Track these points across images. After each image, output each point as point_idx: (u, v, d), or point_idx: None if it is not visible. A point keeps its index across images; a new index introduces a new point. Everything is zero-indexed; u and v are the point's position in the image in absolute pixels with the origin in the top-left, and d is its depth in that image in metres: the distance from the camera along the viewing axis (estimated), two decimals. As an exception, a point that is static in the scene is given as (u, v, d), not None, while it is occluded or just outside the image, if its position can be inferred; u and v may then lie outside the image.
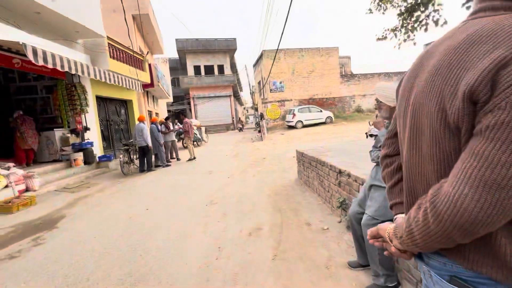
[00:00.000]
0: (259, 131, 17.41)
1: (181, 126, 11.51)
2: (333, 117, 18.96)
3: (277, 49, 9.89)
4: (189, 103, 26.14)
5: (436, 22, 5.45)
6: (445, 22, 5.51)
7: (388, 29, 6.10)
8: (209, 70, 25.92)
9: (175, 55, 28.04)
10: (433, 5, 5.37)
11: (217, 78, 25.35)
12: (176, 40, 24.31)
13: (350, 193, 2.67)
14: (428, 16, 5.58)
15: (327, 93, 22.10)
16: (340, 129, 14.17)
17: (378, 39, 6.34)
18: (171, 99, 21.32)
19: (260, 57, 21.80)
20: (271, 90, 20.81)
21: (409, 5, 5.50)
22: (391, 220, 0.83)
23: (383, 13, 7.45)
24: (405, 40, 5.74)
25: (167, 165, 7.99)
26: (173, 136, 9.15)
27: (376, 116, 1.93)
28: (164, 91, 15.60)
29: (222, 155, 9.53)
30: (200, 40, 24.82)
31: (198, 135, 13.51)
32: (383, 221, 1.81)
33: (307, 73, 21.56)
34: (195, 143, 13.41)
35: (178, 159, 9.06)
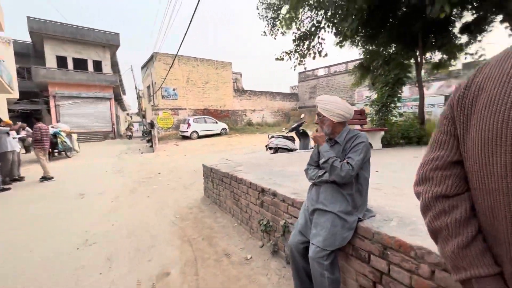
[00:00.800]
0: (149, 141, 15.40)
1: (29, 131, 8.31)
2: (227, 129, 19.41)
3: (176, 54, 9.01)
4: (47, 103, 19.96)
5: (319, 53, 6.44)
6: (326, 55, 6.62)
7: (285, 52, 6.72)
8: (80, 64, 20.89)
9: (27, 38, 21.00)
10: (318, 38, 6.34)
11: (93, 76, 20.77)
12: (28, 18, 18.25)
13: (276, 214, 2.43)
14: (314, 46, 6.52)
15: (222, 105, 22.60)
16: (235, 141, 14.57)
17: (277, 59, 6.87)
18: (15, 95, 15.45)
19: (151, 59, 19.73)
20: (163, 96, 19.09)
21: (301, 34, 6.26)
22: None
23: (275, 38, 8.24)
24: (299, 64, 6.48)
25: (5, 189, 5.41)
26: (17, 145, 6.40)
27: (317, 130, 1.77)
28: (3, 82, 11.06)
29: (100, 170, 7.51)
30: (67, 25, 19.72)
31: (69, 144, 10.33)
32: (332, 252, 1.64)
33: (202, 84, 21.31)
34: (63, 153, 10.20)
35: (20, 179, 6.37)
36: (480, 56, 6.72)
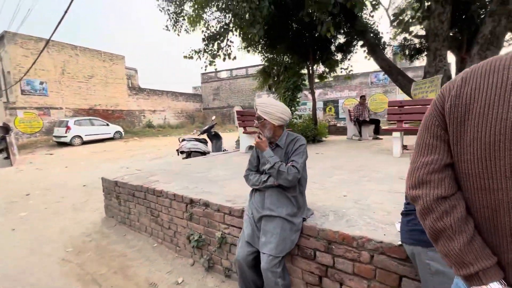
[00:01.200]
0: (1, 151, 11.33)
1: None
2: (123, 132, 16.84)
3: (50, 39, 6.90)
4: None
5: (229, 55, 6.50)
6: (235, 57, 6.76)
7: (194, 50, 6.38)
8: None
9: None
10: (227, 40, 6.38)
11: None
12: None
13: (210, 226, 2.22)
14: (222, 48, 6.53)
15: (114, 104, 19.41)
16: (135, 146, 12.82)
17: (185, 57, 6.43)
18: None
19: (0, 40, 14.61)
20: (23, 91, 14.54)
21: (211, 34, 6.11)
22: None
23: (178, 34, 7.77)
24: (210, 64, 6.30)
25: None
26: None
27: (259, 136, 1.70)
28: None
29: None
30: None
31: None
32: (283, 257, 1.61)
33: (85, 78, 17.60)
34: None
35: None
36: (350, 71, 8.61)
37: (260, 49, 8.66)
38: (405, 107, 4.33)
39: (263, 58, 10.04)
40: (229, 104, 27.75)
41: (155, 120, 22.83)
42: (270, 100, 1.69)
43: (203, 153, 6.46)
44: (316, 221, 1.67)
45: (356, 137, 7.76)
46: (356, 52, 8.11)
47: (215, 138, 7.14)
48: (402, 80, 6.27)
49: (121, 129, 16.72)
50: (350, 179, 2.79)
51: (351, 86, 21.44)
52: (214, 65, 6.32)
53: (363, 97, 7.83)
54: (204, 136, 7.13)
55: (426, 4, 5.44)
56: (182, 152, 6.41)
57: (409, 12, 6.81)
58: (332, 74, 9.03)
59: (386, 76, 20.44)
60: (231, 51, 6.56)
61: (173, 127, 23.14)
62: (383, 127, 7.46)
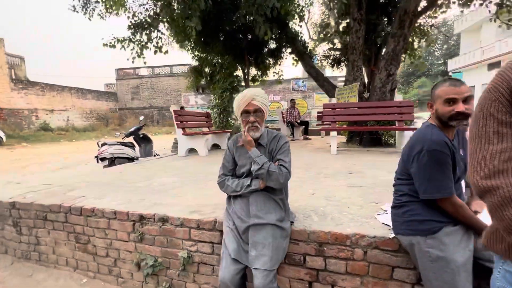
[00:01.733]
0: None
1: None
2: (3, 137, 12.99)
3: None
4: None
5: (159, 48, 5.83)
6: (167, 51, 6.12)
7: (116, 38, 5.39)
8: None
9: None
10: (158, 31, 5.69)
11: None
12: None
13: (170, 245, 1.82)
14: (152, 40, 5.81)
15: (-13, 100, 14.80)
16: (26, 154, 10.03)
17: (105, 45, 5.37)
18: None
19: None
20: None
21: (138, 22, 5.31)
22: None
23: (90, 19, 6.58)
24: (139, 56, 5.45)
25: None
26: None
27: (245, 132, 1.47)
28: None
29: None
30: None
31: None
32: (277, 269, 1.42)
33: None
34: None
35: None
36: (280, 76, 9.11)
37: (192, 46, 8.18)
38: (337, 109, 4.83)
39: (195, 56, 9.56)
40: (151, 105, 25.38)
41: (54, 122, 18.64)
42: (260, 90, 1.49)
43: (131, 159, 5.57)
44: (303, 224, 1.56)
45: (289, 137, 8.27)
46: (286, 58, 8.65)
47: (144, 141, 6.28)
48: (327, 86, 7.03)
49: (2, 134, 12.83)
50: (308, 176, 2.85)
51: (275, 91, 22.93)
52: (143, 57, 5.52)
53: (293, 101, 8.43)
54: (130, 139, 6.17)
55: (346, 21, 6.26)
56: (102, 159, 5.34)
57: (333, 27, 7.73)
58: (264, 78, 9.36)
59: (305, 83, 22.86)
60: (163, 44, 5.90)
61: (79, 130, 19.40)
62: (321, 127, 8.21)
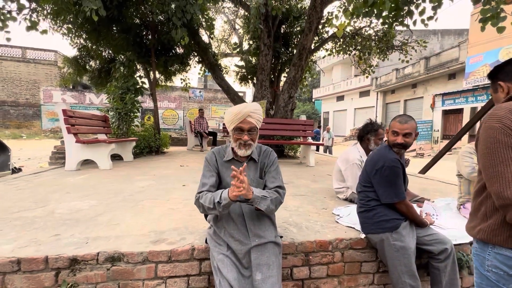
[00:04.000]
0: None
1: None
2: None
3: None
4: None
5: (34, 24, 4.34)
6: (45, 31, 4.63)
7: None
8: None
9: None
10: (31, 2, 4.19)
11: None
12: None
13: (124, 291, 1.37)
14: (22, 11, 4.26)
15: None
16: None
17: None
18: None
19: None
20: None
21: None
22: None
23: None
24: (1, 29, 3.71)
25: None
26: None
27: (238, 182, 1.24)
28: None
29: None
30: None
31: None
32: None
33: None
34: None
35: None
36: (187, 84, 8.76)
37: (75, 31, 6.55)
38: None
39: (74, 44, 7.64)
40: (-17, 97, 17.94)
41: None
42: (257, 106, 1.41)
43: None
44: (290, 237, 1.60)
45: (198, 147, 8.00)
46: (195, 67, 8.44)
47: (-5, 149, 4.40)
48: (238, 100, 7.39)
49: None
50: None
51: (170, 97, 21.65)
52: (7, 31, 3.82)
53: (201, 111, 8.28)
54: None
55: (256, 44, 6.89)
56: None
57: (246, 45, 8.24)
58: (168, 83, 8.70)
59: (202, 93, 22.89)
60: (39, 20, 4.36)
61: None
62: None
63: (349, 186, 2.44)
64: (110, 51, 7.39)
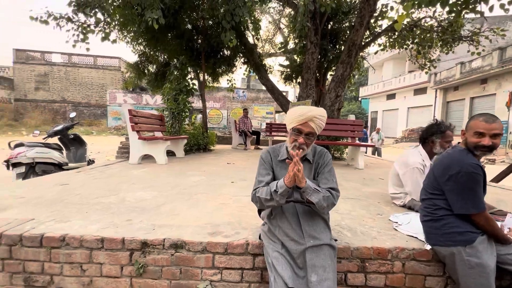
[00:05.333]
0: None
1: None
2: None
3: None
4: None
5: (107, 35, 4.96)
6: (115, 40, 5.27)
7: (49, 13, 4.24)
8: None
9: None
10: (109, 15, 4.81)
11: None
12: None
13: (185, 277, 1.49)
14: (99, 24, 4.90)
15: None
16: None
17: (33, 18, 4.15)
18: None
19: None
20: None
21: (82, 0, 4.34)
22: None
23: None
24: (83, 40, 4.42)
25: None
26: None
27: (293, 160, 1.27)
28: None
29: None
30: None
31: None
32: None
33: None
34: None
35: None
36: (232, 84, 9.06)
37: (136, 39, 7.30)
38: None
39: (136, 51, 8.54)
40: (64, 98, 21.17)
41: None
42: (322, 111, 1.39)
43: (58, 166, 4.46)
44: (344, 241, 1.55)
45: (241, 146, 8.24)
46: (240, 68, 8.69)
47: (75, 143, 5.16)
48: (282, 100, 7.39)
49: None
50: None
51: (215, 98, 22.68)
52: (87, 43, 4.51)
53: (246, 110, 8.49)
54: (55, 140, 4.97)
55: (303, 43, 6.78)
56: (16, 165, 4.10)
57: (291, 45, 8.22)
58: (215, 84, 9.12)
59: (245, 93, 23.44)
60: (110, 31, 5.00)
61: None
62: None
63: (407, 191, 2.25)
64: (165, 56, 8.06)
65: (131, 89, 21.06)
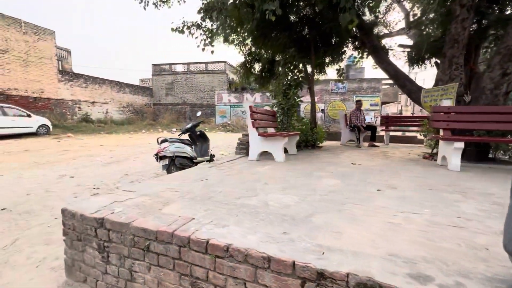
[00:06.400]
0: None
1: None
2: (50, 126, 13.32)
3: None
4: None
5: (227, 38, 5.18)
6: (233, 41, 5.48)
7: (185, 24, 4.83)
8: None
9: None
10: (225, 17, 5.04)
11: None
12: None
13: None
14: (220, 26, 5.16)
15: (37, 90, 15.39)
16: (72, 145, 10.03)
17: (174, 29, 4.84)
18: None
19: None
20: None
21: (211, 4, 4.68)
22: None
23: (145, 8, 6.12)
24: (208, 44, 4.85)
25: None
26: None
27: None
28: None
29: None
30: None
31: None
32: None
33: (-6, 52, 13.41)
34: None
35: None
36: (342, 74, 8.20)
37: (244, 39, 7.51)
38: (452, 114, 3.87)
39: (243, 52, 8.92)
40: (184, 101, 25.45)
41: (94, 114, 19.13)
42: None
43: (190, 159, 5.01)
44: None
45: (353, 143, 7.33)
46: (352, 54, 7.72)
47: (201, 139, 5.70)
48: (410, 86, 6.01)
49: (48, 123, 13.17)
50: (483, 210, 1.97)
51: (312, 92, 21.88)
52: (212, 45, 4.91)
53: (359, 102, 7.48)
54: (185, 136, 5.65)
55: (444, 8, 5.22)
56: (162, 158, 4.83)
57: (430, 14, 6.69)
58: (322, 75, 8.49)
59: (344, 85, 21.56)
60: (229, 32, 5.26)
61: (117, 123, 19.75)
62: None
63: None
64: (270, 52, 8.05)
65: (233, 89, 23.14)
